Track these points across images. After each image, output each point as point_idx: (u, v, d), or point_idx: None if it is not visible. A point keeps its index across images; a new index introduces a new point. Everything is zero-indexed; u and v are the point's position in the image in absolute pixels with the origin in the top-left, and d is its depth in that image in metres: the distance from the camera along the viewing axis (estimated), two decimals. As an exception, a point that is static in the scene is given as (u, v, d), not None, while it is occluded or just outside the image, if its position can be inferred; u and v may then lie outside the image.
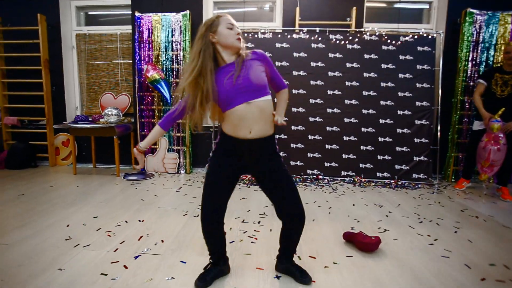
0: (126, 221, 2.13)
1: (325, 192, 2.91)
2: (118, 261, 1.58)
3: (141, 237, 1.88)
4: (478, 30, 3.31)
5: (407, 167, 3.35)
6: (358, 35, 3.34)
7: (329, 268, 1.54)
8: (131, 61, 3.84)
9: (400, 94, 3.35)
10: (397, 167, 3.37)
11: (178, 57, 3.53)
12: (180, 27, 3.47)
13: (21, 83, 3.78)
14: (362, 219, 2.21)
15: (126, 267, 1.53)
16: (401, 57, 3.34)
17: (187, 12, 3.45)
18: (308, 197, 2.76)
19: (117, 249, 1.72)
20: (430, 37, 3.32)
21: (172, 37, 3.50)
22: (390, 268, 1.53)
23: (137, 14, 3.51)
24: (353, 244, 1.77)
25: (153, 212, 2.33)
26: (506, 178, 2.92)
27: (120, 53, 3.91)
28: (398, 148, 3.37)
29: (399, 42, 3.33)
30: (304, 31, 3.36)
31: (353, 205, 2.55)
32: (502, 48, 3.26)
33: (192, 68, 1.18)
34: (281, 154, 3.43)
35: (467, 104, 3.39)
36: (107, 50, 3.94)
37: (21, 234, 1.89)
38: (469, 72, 3.35)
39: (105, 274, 1.46)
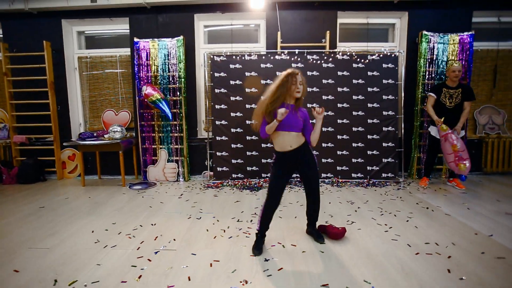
0: (140, 225, 2.55)
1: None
2: (142, 256, 2.01)
3: (156, 237, 2.31)
4: (432, 49, 3.89)
5: (377, 168, 3.90)
6: (332, 55, 3.85)
7: (306, 252, 2.02)
8: (130, 80, 4.24)
9: (369, 105, 3.89)
10: (369, 168, 3.91)
11: (174, 77, 3.95)
12: (175, 50, 3.89)
13: (28, 104, 4.11)
14: (335, 215, 2.71)
15: (149, 260, 1.96)
16: (369, 73, 3.88)
17: (181, 37, 3.88)
18: (292, 198, 3.25)
19: (139, 247, 2.15)
20: (393, 55, 3.88)
21: (168, 59, 3.92)
22: (351, 251, 2.03)
23: (135, 39, 3.90)
24: (325, 234, 2.26)
25: (161, 217, 2.76)
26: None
27: (119, 73, 4.29)
28: (369, 152, 3.91)
29: (367, 61, 3.87)
30: (285, 53, 3.85)
31: (329, 203, 3.05)
32: (451, 64, 3.85)
33: (273, 94, 1.97)
34: (269, 160, 3.92)
35: (425, 112, 3.96)
36: (107, 71, 4.31)
37: (55, 240, 2.28)
38: (426, 85, 3.93)
39: (135, 266, 1.89)
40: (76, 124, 4.38)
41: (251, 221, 2.62)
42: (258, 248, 2.04)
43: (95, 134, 4.06)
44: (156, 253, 2.06)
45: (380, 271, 1.76)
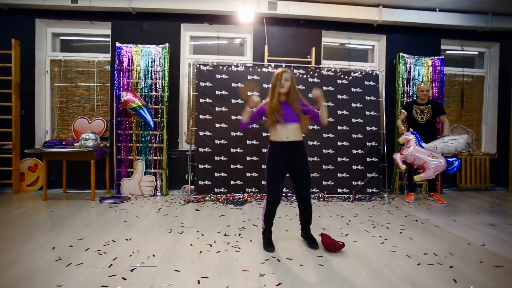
0: (113, 241, 2.23)
1: (294, 207, 3.26)
2: (115, 275, 1.71)
3: (132, 253, 2.01)
4: (409, 70, 4.13)
5: (362, 183, 3.89)
6: (318, 70, 3.94)
7: (304, 266, 1.85)
8: (107, 86, 3.98)
9: (353, 120, 3.96)
10: (354, 183, 3.89)
11: (157, 85, 3.77)
12: (160, 58, 3.75)
13: (-14, 106, 3.66)
14: (328, 227, 2.59)
15: (124, 279, 1.67)
16: (353, 89, 3.99)
17: (166, 45, 3.77)
18: (280, 212, 3.07)
19: (111, 265, 1.84)
20: (374, 74, 4.05)
21: (151, 66, 3.76)
22: (352, 263, 1.89)
23: (117, 44, 3.72)
24: (322, 243, 2.11)
25: (138, 231, 2.45)
26: (434, 186, 3.65)
27: (96, 78, 4.03)
28: (354, 167, 3.91)
29: (351, 77, 4.00)
30: (272, 66, 3.86)
31: (319, 216, 2.93)
32: (421, 85, 4.10)
33: (269, 95, 2.13)
34: (254, 174, 3.76)
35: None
36: (83, 76, 4.03)
37: (5, 259, 1.89)
38: (404, 102, 4.11)
39: (106, 286, 1.59)
40: (42, 132, 3.95)
41: (239, 235, 2.40)
42: (270, 245, 2.09)
43: (63, 143, 3.67)
44: (132, 270, 1.77)
45: (387, 282, 1.63)
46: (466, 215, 3.08)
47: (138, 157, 3.76)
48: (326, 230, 2.50)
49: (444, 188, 4.30)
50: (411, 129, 3.58)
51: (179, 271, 1.77)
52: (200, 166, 3.72)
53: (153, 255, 1.98)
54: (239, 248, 2.12)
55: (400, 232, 2.49)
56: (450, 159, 3.39)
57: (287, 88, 2.06)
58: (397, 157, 3.51)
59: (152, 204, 3.33)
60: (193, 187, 3.79)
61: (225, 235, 2.40)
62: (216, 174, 3.73)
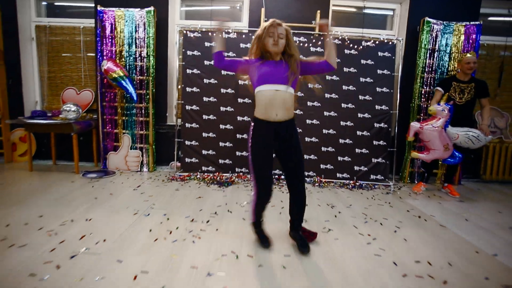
0: (72, 220, 2.08)
1: (283, 192, 2.97)
2: (51, 261, 1.55)
3: (83, 236, 1.85)
4: (434, 39, 3.47)
5: (366, 169, 3.48)
6: (322, 38, 3.41)
7: (263, 267, 1.58)
8: (94, 55, 3.74)
9: (361, 97, 3.46)
10: (356, 168, 3.48)
11: (142, 54, 3.46)
12: (144, 23, 3.41)
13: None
14: (311, 219, 2.27)
15: (58, 267, 1.50)
16: (363, 61, 3.45)
17: (152, 8, 3.40)
18: (265, 196, 2.80)
19: (54, 249, 1.68)
20: (390, 43, 3.45)
21: (136, 33, 3.44)
22: (322, 268, 1.59)
23: (99, 8, 3.41)
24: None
25: (103, 210, 2.30)
26: (451, 177, 3.16)
27: (83, 47, 3.80)
28: (357, 150, 3.48)
29: (361, 47, 3.44)
30: (269, 33, 3.38)
31: (306, 205, 2.61)
32: (456, 56, 3.45)
33: (251, 47, 1.75)
34: (244, 153, 3.47)
35: (423, 109, 3.55)
36: (69, 43, 3.81)
37: (-48, 234, 1.81)
38: (425, 78, 3.51)
39: (34, 275, 1.43)
40: (32, 102, 3.87)
41: (208, 221, 2.17)
42: (265, 240, 1.81)
43: (49, 114, 3.56)
44: (72, 257, 1.60)
45: (354, 299, 1.33)
46: (484, 213, 2.62)
47: (124, 131, 3.58)
48: (307, 223, 2.19)
49: (464, 179, 3.77)
50: (452, 102, 2.96)
51: (121, 261, 1.58)
52: (187, 142, 3.47)
53: (104, 240, 1.81)
54: (199, 238, 1.89)
55: (395, 231, 2.12)
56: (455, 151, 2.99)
57: (282, 46, 1.67)
58: (415, 125, 3.02)
59: (134, 181, 3.18)
60: (179, 164, 3.58)
61: (192, 221, 2.17)
62: (204, 152, 3.48)
